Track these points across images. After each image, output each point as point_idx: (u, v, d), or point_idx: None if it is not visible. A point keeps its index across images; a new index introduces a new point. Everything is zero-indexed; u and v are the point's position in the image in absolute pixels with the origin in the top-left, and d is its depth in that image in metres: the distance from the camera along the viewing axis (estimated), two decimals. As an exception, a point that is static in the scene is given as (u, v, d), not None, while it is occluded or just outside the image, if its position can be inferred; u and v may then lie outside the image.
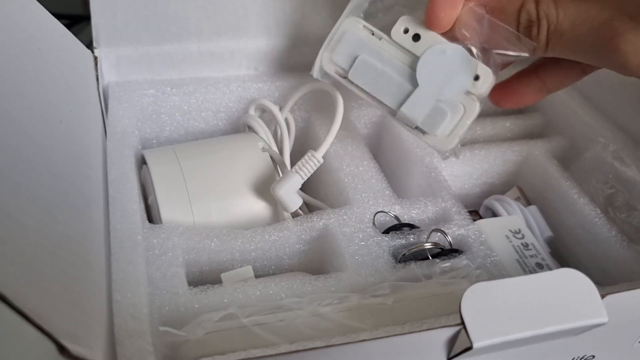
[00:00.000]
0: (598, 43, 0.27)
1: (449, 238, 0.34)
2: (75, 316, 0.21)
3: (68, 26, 0.33)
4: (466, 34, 0.30)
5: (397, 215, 0.35)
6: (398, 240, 0.33)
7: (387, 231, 0.34)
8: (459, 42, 0.31)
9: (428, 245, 0.33)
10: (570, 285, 0.23)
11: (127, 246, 0.28)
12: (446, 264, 0.32)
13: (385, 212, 0.35)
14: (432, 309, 0.28)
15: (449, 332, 0.23)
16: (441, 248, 0.33)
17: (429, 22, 0.31)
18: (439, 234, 0.34)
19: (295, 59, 0.43)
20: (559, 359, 0.28)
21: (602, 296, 0.23)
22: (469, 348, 0.22)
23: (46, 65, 0.30)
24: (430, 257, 0.32)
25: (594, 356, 0.28)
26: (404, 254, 0.33)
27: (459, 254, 0.33)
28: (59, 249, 0.22)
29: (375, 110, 0.43)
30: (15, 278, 0.18)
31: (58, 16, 0.32)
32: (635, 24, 0.25)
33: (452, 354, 0.24)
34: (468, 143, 0.42)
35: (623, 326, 0.27)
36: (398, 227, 0.35)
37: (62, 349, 0.19)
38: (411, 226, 0.35)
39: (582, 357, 0.28)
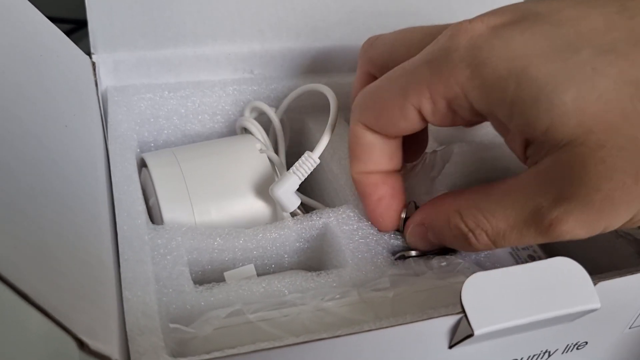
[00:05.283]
0: (540, 231, 0.25)
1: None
2: (92, 313, 0.21)
3: (73, 30, 0.34)
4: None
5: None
6: (396, 239, 0.34)
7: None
8: None
9: (413, 253, 0.34)
10: (564, 273, 0.24)
11: (135, 246, 0.29)
12: (442, 263, 0.33)
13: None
14: (431, 301, 0.29)
15: (450, 320, 0.24)
16: (424, 252, 0.34)
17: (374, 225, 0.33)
18: None
19: (289, 61, 0.44)
20: (555, 346, 0.29)
21: (595, 283, 0.24)
22: (470, 335, 0.23)
23: (49, 71, 0.31)
24: (424, 254, 0.33)
25: (587, 342, 0.30)
26: (396, 258, 0.34)
27: (455, 253, 0.34)
28: (74, 249, 0.23)
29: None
30: (36, 277, 0.19)
31: (62, 21, 0.33)
32: (564, 206, 0.23)
33: (454, 341, 0.25)
34: (461, 142, 0.43)
35: (615, 312, 0.28)
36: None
37: (81, 344, 0.20)
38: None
39: (576, 344, 0.29)
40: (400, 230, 0.33)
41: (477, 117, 0.27)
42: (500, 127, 0.26)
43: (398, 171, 0.32)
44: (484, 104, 0.25)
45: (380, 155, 0.31)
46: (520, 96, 0.24)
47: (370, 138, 0.30)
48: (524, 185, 0.25)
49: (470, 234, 0.27)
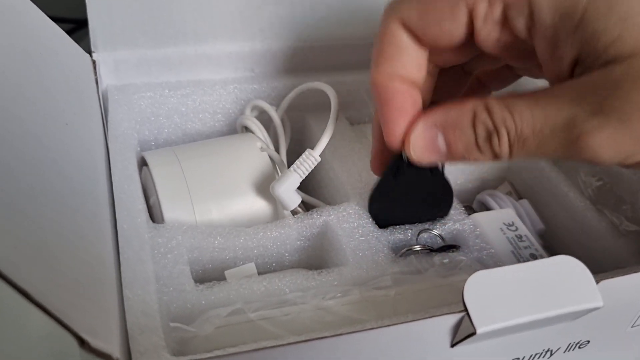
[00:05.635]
0: (564, 142, 0.24)
1: (440, 232, 0.35)
2: (93, 311, 0.21)
3: (74, 29, 0.34)
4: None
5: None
6: (397, 235, 0.34)
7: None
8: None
9: (417, 247, 0.34)
10: (567, 272, 0.24)
11: (135, 245, 0.29)
12: (444, 260, 0.33)
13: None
14: (433, 300, 0.29)
15: (453, 318, 0.24)
16: (429, 249, 0.34)
17: (388, 143, 0.29)
18: (432, 232, 0.35)
19: (290, 60, 0.44)
20: (557, 344, 0.29)
21: (597, 282, 0.24)
22: (473, 334, 0.23)
23: (49, 70, 0.31)
24: (430, 250, 0.33)
25: (589, 341, 0.29)
26: (401, 255, 0.34)
27: (457, 249, 0.34)
28: (74, 248, 0.23)
29: (368, 108, 0.44)
30: (37, 276, 0.19)
31: (63, 20, 0.33)
32: (599, 120, 0.23)
33: (456, 340, 0.24)
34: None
35: (617, 311, 0.28)
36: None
37: (82, 342, 0.20)
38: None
39: (578, 342, 0.29)
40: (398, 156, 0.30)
41: (524, 33, 0.25)
42: (547, 45, 0.25)
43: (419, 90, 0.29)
44: (550, 11, 0.24)
45: (411, 59, 0.28)
46: (594, 5, 0.23)
47: (404, 38, 0.28)
48: (561, 93, 0.24)
49: (494, 133, 0.25)
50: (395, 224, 0.35)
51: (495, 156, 0.26)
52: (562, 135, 0.24)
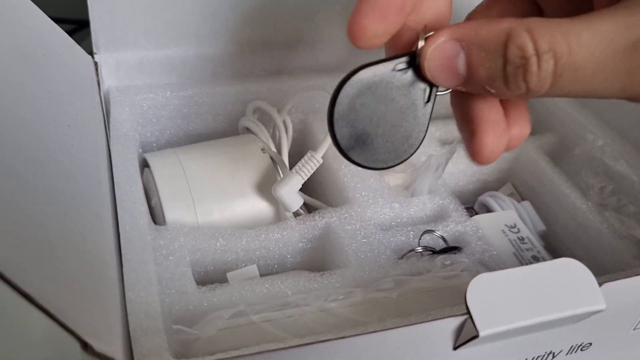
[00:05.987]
0: (626, 71, 0.20)
1: (444, 235, 0.35)
2: (95, 314, 0.21)
3: (75, 30, 0.34)
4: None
5: (397, 213, 0.36)
6: (399, 237, 0.34)
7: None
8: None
9: (419, 249, 0.34)
10: (570, 274, 0.24)
11: (138, 246, 0.29)
12: (446, 262, 0.33)
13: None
14: (435, 301, 0.29)
15: (455, 321, 0.23)
16: (432, 250, 0.34)
17: (349, 34, 0.24)
18: (435, 234, 0.35)
19: (292, 61, 0.44)
20: (559, 347, 0.29)
21: (600, 284, 0.24)
22: (475, 337, 0.23)
23: (51, 71, 0.31)
24: (433, 252, 0.33)
25: (591, 343, 0.29)
26: (401, 257, 0.34)
27: (459, 251, 0.34)
28: (76, 249, 0.23)
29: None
30: (39, 277, 0.19)
31: (65, 21, 0.33)
32: None
33: (459, 343, 0.24)
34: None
35: (619, 313, 0.28)
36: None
37: (85, 345, 0.20)
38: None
39: (580, 345, 0.29)
40: (413, 54, 0.23)
41: None
42: None
43: None
44: None
45: None
46: None
47: None
48: (629, 12, 0.20)
49: (533, 59, 0.20)
50: (350, 138, 0.26)
51: (528, 90, 0.21)
52: (626, 61, 0.20)
